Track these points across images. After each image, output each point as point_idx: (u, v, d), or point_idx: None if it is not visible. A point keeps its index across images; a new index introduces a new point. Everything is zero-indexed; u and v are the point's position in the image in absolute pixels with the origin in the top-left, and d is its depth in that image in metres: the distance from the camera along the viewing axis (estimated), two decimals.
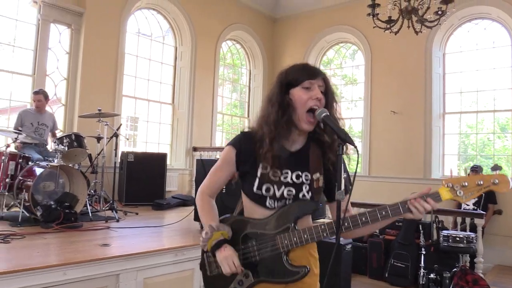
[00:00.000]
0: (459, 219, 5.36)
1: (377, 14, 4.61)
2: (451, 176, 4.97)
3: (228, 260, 1.54)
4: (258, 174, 1.61)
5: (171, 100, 7.85)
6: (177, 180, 7.39)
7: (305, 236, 1.54)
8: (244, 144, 1.65)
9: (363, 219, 1.50)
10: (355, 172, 1.41)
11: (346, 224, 1.50)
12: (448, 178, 1.50)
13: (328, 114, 1.52)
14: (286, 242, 1.55)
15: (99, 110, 4.90)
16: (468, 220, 5.33)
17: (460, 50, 7.44)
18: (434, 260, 5.09)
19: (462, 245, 4.85)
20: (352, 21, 8.21)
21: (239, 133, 1.75)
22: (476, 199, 6.10)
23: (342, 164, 1.54)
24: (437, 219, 5.65)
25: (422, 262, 5.02)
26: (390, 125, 7.63)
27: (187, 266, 3.30)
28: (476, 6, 6.99)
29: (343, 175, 1.48)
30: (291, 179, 1.61)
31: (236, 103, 9.64)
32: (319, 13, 8.80)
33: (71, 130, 5.99)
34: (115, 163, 5.02)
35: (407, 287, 5.00)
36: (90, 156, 5.02)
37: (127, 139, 6.42)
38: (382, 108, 7.79)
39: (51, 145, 5.36)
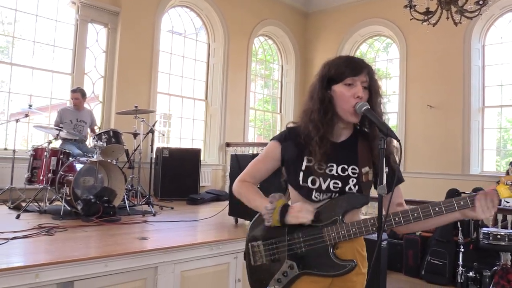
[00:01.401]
0: (499, 216, 5.17)
1: (415, 5, 4.49)
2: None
3: (302, 210, 1.54)
4: (303, 167, 1.61)
5: (204, 96, 7.94)
6: (210, 175, 7.48)
7: (353, 229, 1.53)
8: (290, 139, 1.67)
9: (415, 214, 1.47)
10: (398, 165, 1.39)
11: (396, 219, 1.48)
12: (507, 176, 1.42)
13: (369, 107, 1.50)
14: (333, 234, 1.54)
15: (136, 107, 5.02)
16: (510, 217, 5.14)
17: (501, 41, 7.15)
18: (473, 258, 4.94)
19: (503, 243, 4.67)
20: (386, 13, 8.05)
21: (284, 128, 1.76)
22: None
23: (385, 158, 1.51)
24: None
25: (461, 260, 4.89)
26: (427, 119, 7.44)
27: (223, 260, 3.33)
28: None
29: (385, 170, 1.45)
30: (337, 172, 1.61)
31: (267, 98, 9.64)
32: (352, 7, 8.67)
33: (108, 127, 6.18)
34: (151, 158, 5.13)
35: (444, 285, 4.87)
36: (127, 151, 5.15)
37: (163, 135, 6.54)
38: (418, 103, 7.61)
39: (89, 141, 5.54)
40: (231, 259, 3.39)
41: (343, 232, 1.53)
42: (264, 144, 7.35)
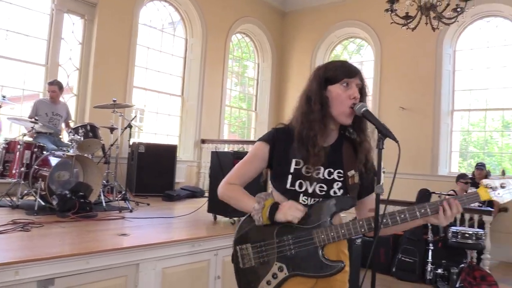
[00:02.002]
0: (467, 216, 5.39)
1: (396, 10, 4.62)
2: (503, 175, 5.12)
3: (292, 208, 1.55)
4: (291, 170, 1.62)
5: (181, 92, 7.87)
6: (185, 172, 7.43)
7: (343, 231, 1.55)
8: (278, 140, 1.67)
9: (402, 216, 1.53)
10: (396, 167, 1.43)
11: (385, 220, 1.52)
12: (487, 180, 1.51)
13: (368, 108, 1.54)
14: (322, 236, 1.56)
15: (114, 101, 4.93)
16: (476, 217, 5.37)
17: (471, 48, 7.43)
18: (442, 256, 5.13)
19: (471, 242, 4.89)
20: (362, 15, 8.21)
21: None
22: None
23: (365, 164, 1.62)
24: None
25: (430, 258, 5.07)
26: (399, 121, 7.65)
27: (204, 257, 3.33)
28: (488, 4, 6.99)
29: (383, 170, 1.50)
30: (323, 175, 1.63)
31: (242, 96, 9.64)
32: (328, 8, 8.79)
33: (83, 120, 6.04)
34: (128, 153, 5.06)
35: (414, 282, 5.04)
36: (103, 146, 5.05)
37: (141, 130, 6.44)
38: (391, 104, 7.80)
39: (63, 136, 5.41)
40: (212, 256, 3.39)
41: (332, 234, 1.55)
42: (240, 142, 7.39)
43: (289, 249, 1.58)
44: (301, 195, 1.62)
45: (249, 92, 9.62)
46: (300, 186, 1.62)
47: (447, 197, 1.54)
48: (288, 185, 1.62)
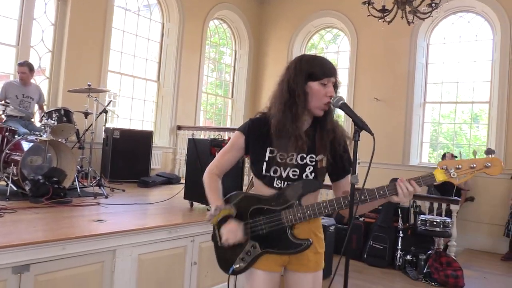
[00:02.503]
0: (435, 205, 5.59)
1: (373, 3, 4.69)
2: (451, 158, 5.33)
3: (230, 231, 1.68)
4: (266, 159, 1.74)
5: (157, 77, 7.78)
6: (160, 158, 7.40)
7: (308, 212, 1.67)
8: (253, 131, 1.78)
9: (362, 197, 1.63)
10: (371, 159, 1.50)
11: (346, 202, 1.64)
12: (443, 161, 1.57)
13: (345, 102, 1.61)
14: (290, 217, 1.68)
15: (89, 85, 4.84)
16: (444, 205, 5.58)
17: (444, 42, 7.62)
18: (411, 243, 5.32)
19: (438, 229, 5.09)
20: (339, 6, 8.28)
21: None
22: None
23: (339, 149, 1.74)
24: (415, 204, 5.89)
25: (400, 244, 5.25)
26: (373, 112, 7.79)
27: (180, 243, 3.37)
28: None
29: (358, 161, 1.58)
30: (296, 160, 1.74)
31: (218, 82, 9.60)
32: None
33: (55, 104, 5.91)
34: (103, 139, 4.99)
35: (384, 268, 5.21)
36: (77, 131, 4.97)
37: (117, 115, 6.35)
38: (366, 95, 7.94)
39: (36, 119, 5.28)
40: (188, 242, 3.43)
41: (299, 214, 1.68)
42: (217, 129, 7.39)
43: (261, 229, 1.72)
44: (276, 179, 1.74)
45: (226, 79, 9.59)
46: (275, 171, 1.74)
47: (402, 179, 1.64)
48: (263, 171, 1.74)
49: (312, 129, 1.78)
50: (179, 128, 7.75)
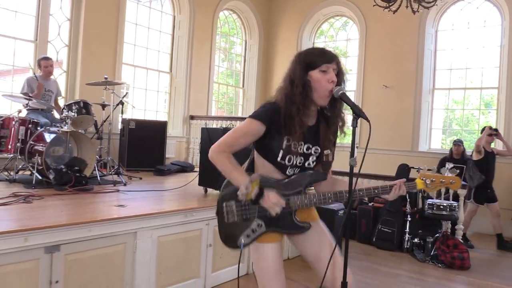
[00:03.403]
0: (443, 189, 5.70)
1: None
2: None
3: (276, 203, 1.77)
4: (283, 146, 1.85)
5: (169, 68, 7.97)
6: (174, 147, 7.61)
7: (314, 200, 1.86)
8: (273, 120, 1.83)
9: (361, 193, 1.84)
10: (367, 144, 1.67)
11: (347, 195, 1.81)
12: (423, 173, 1.96)
13: (344, 91, 1.77)
14: (298, 202, 1.86)
15: (106, 78, 5.05)
16: (451, 191, 5.69)
17: (452, 28, 7.65)
18: (418, 226, 5.48)
19: (445, 213, 5.23)
20: None
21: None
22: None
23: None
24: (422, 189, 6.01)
25: (408, 228, 5.40)
26: (382, 99, 7.89)
27: (196, 226, 3.58)
28: None
29: (356, 145, 1.75)
30: (303, 150, 1.89)
31: (229, 72, 9.75)
32: None
33: (73, 97, 6.14)
34: (120, 129, 5.20)
35: (392, 251, 5.37)
36: (95, 122, 5.19)
37: (134, 107, 6.56)
38: (375, 82, 8.03)
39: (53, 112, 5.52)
40: (203, 225, 3.64)
41: (306, 201, 1.86)
42: (228, 118, 7.56)
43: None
44: (289, 167, 1.89)
45: (236, 68, 9.73)
46: (289, 160, 1.87)
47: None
48: (279, 159, 1.86)
49: (317, 122, 1.92)
50: (192, 118, 7.95)
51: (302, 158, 1.89)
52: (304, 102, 1.80)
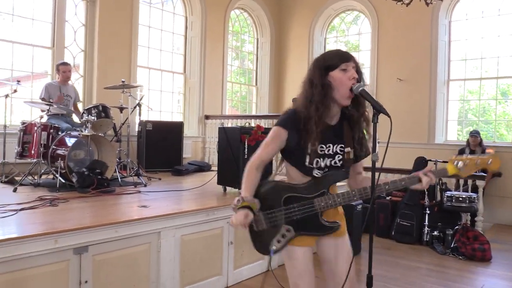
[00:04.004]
0: (461, 181, 5.69)
1: None
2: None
3: (236, 217, 1.83)
4: (309, 151, 1.88)
5: (183, 69, 8.05)
6: (191, 147, 7.70)
7: (339, 199, 1.88)
8: (294, 125, 1.88)
9: (387, 187, 1.85)
10: (388, 139, 1.69)
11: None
12: (453, 157, 1.84)
13: (364, 88, 1.79)
14: (322, 204, 1.88)
15: (123, 81, 5.14)
16: (470, 181, 5.66)
17: (466, 18, 7.58)
18: (437, 219, 5.46)
19: (464, 205, 5.21)
20: None
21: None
22: None
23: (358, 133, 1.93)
24: (441, 181, 5.99)
25: (427, 221, 5.39)
26: (396, 92, 7.86)
27: (218, 225, 3.64)
28: None
29: (366, 140, 1.82)
30: (331, 150, 1.93)
31: (241, 70, 9.78)
32: None
33: (91, 101, 6.26)
34: (139, 131, 5.29)
35: (412, 244, 5.37)
36: (114, 125, 5.29)
37: (151, 109, 6.66)
38: (388, 76, 8.00)
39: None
40: (224, 223, 3.70)
41: (330, 202, 1.88)
42: (243, 117, 7.61)
43: (295, 215, 1.90)
44: (316, 169, 1.92)
45: (249, 66, 9.77)
46: (316, 163, 1.91)
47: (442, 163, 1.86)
48: (306, 162, 1.90)
49: (340, 120, 1.95)
50: (207, 117, 8.03)
51: (330, 159, 1.93)
52: (323, 101, 1.83)
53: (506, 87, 7.97)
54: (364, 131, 1.97)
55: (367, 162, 1.91)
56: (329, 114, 1.88)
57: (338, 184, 1.98)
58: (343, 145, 1.93)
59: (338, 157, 1.94)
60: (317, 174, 1.92)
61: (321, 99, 1.83)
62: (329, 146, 1.91)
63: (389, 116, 1.70)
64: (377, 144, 1.75)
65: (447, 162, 1.86)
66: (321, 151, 1.90)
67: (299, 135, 1.88)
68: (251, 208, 1.85)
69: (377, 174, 1.74)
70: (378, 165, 1.72)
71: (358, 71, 1.88)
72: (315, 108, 1.83)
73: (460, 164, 1.80)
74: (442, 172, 1.86)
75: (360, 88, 1.79)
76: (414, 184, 1.84)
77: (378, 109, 1.73)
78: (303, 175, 1.93)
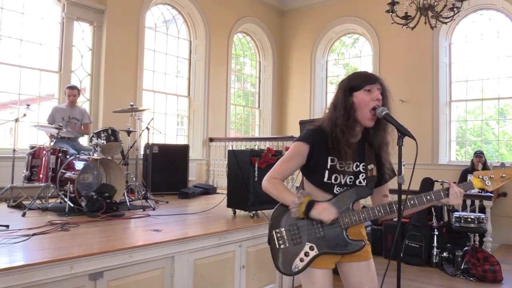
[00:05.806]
0: (468, 202, 5.67)
1: (396, 11, 4.88)
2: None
3: (326, 209, 1.83)
4: (328, 166, 1.90)
5: (187, 92, 8.11)
6: (195, 170, 7.69)
7: (363, 215, 1.87)
8: (316, 141, 1.91)
9: (412, 202, 1.84)
10: (415, 161, 1.70)
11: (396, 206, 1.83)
12: (478, 172, 1.87)
13: (388, 112, 1.82)
14: (346, 220, 1.86)
15: (131, 105, 5.18)
16: (477, 202, 5.66)
17: (466, 40, 7.71)
18: (446, 240, 5.43)
19: (473, 225, 5.19)
20: (360, 11, 8.46)
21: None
22: None
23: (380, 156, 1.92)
24: None
25: (435, 242, 5.35)
26: (399, 113, 7.66)
27: (230, 248, 3.61)
28: None
29: (388, 164, 1.89)
30: (352, 168, 1.93)
31: (240, 93, 9.83)
32: (326, 5, 9.04)
33: (97, 123, 6.28)
34: (144, 154, 5.30)
35: (421, 266, 5.32)
36: (122, 149, 5.30)
37: (160, 132, 6.69)
38: (391, 97, 8.05)
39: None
40: (236, 247, 3.67)
41: (354, 218, 1.86)
42: (247, 139, 7.64)
43: (319, 232, 1.88)
44: (336, 186, 1.92)
45: (250, 89, 9.85)
46: (336, 179, 1.91)
47: (452, 184, 1.86)
48: (325, 179, 1.91)
49: (362, 140, 1.97)
50: (211, 140, 8.05)
51: (353, 177, 1.92)
52: (347, 123, 1.86)
53: (505, 106, 8.04)
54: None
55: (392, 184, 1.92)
56: (352, 134, 1.90)
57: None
58: (364, 163, 1.94)
59: (362, 175, 1.94)
60: (337, 191, 1.91)
61: (345, 121, 1.86)
62: (349, 163, 1.91)
63: (414, 139, 1.71)
64: (403, 167, 1.76)
65: (455, 182, 1.87)
66: (340, 167, 1.90)
67: (321, 149, 1.89)
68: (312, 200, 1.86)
69: (403, 196, 1.74)
70: (404, 187, 1.72)
71: (384, 94, 1.90)
72: (340, 131, 1.85)
73: (486, 178, 1.82)
74: (468, 186, 1.85)
75: (384, 112, 1.81)
76: (439, 199, 1.83)
77: (403, 132, 1.74)
78: (324, 192, 1.93)
